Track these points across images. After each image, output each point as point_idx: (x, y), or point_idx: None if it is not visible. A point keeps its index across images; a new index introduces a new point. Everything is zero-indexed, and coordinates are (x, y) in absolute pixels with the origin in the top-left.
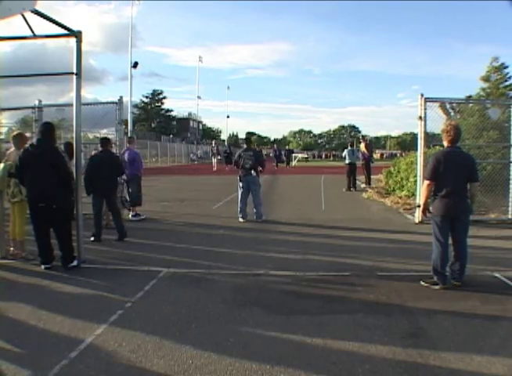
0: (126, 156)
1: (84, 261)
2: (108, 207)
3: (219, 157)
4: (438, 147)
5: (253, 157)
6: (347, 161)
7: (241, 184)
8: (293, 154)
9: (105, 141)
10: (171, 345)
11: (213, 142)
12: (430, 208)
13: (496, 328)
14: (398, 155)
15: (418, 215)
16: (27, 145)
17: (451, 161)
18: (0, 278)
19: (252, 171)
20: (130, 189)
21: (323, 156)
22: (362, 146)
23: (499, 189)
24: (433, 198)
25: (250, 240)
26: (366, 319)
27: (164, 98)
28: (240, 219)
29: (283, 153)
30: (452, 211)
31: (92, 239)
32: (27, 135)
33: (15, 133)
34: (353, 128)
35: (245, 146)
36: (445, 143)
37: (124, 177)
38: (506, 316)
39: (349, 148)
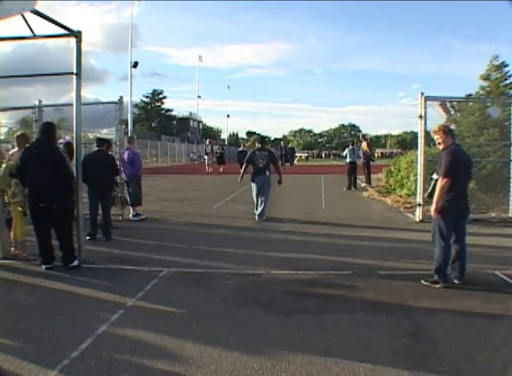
0: (126, 156)
1: (84, 261)
2: (101, 205)
3: (213, 159)
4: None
5: (267, 156)
6: (348, 160)
7: (254, 184)
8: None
9: (101, 141)
10: (172, 345)
11: (207, 140)
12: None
13: (497, 327)
14: (398, 154)
15: (418, 214)
16: (27, 145)
17: (463, 159)
18: (1, 278)
19: (266, 171)
20: (130, 190)
21: (323, 155)
22: (364, 144)
23: (499, 187)
24: (445, 196)
25: (251, 239)
26: (367, 318)
27: (164, 98)
28: (257, 218)
29: (288, 152)
30: (463, 210)
31: (88, 238)
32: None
33: (18, 133)
34: (353, 127)
35: (259, 145)
36: (451, 141)
37: (124, 177)
38: (507, 315)
39: (350, 147)
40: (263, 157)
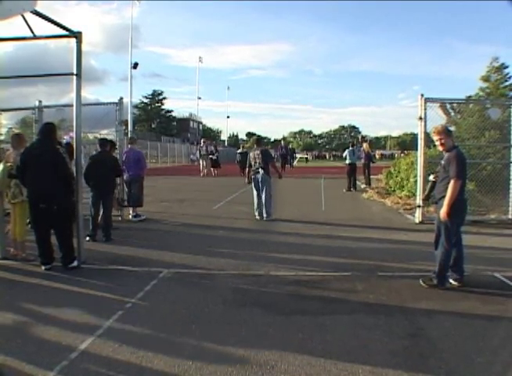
0: (131, 155)
1: (84, 261)
2: (102, 205)
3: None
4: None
5: (260, 154)
6: (347, 161)
7: (253, 184)
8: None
9: (103, 142)
10: (171, 346)
11: (201, 140)
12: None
13: (496, 329)
14: (397, 155)
15: (418, 215)
16: (27, 145)
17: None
18: (0, 278)
19: (260, 170)
20: (132, 190)
21: (327, 156)
22: (366, 145)
23: (499, 189)
24: (460, 197)
25: (251, 240)
26: (367, 320)
27: (164, 98)
28: (257, 217)
29: (289, 152)
30: (466, 211)
31: (88, 239)
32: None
33: (13, 134)
34: (353, 128)
35: (255, 146)
36: (452, 142)
37: (126, 177)
38: (506, 317)
39: (350, 148)
40: (256, 156)
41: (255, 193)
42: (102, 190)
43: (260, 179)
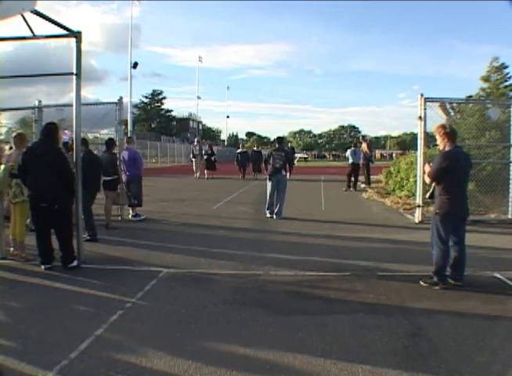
0: (126, 155)
1: (84, 261)
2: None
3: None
4: (437, 147)
5: (284, 157)
6: (350, 161)
7: (270, 182)
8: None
9: (84, 141)
10: (170, 346)
11: (195, 140)
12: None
13: (496, 328)
14: (398, 155)
15: (418, 215)
16: (29, 145)
17: (461, 161)
18: (0, 278)
19: (282, 171)
20: (131, 190)
21: (327, 155)
22: (364, 146)
23: (498, 189)
24: (445, 198)
25: (251, 240)
26: (366, 319)
27: (164, 98)
28: (268, 215)
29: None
30: (463, 212)
31: (88, 238)
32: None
33: (15, 133)
34: (353, 128)
35: (277, 145)
36: (451, 143)
37: (124, 178)
38: (506, 316)
39: (352, 148)
40: (280, 158)
41: (271, 191)
42: (90, 189)
43: (281, 180)
